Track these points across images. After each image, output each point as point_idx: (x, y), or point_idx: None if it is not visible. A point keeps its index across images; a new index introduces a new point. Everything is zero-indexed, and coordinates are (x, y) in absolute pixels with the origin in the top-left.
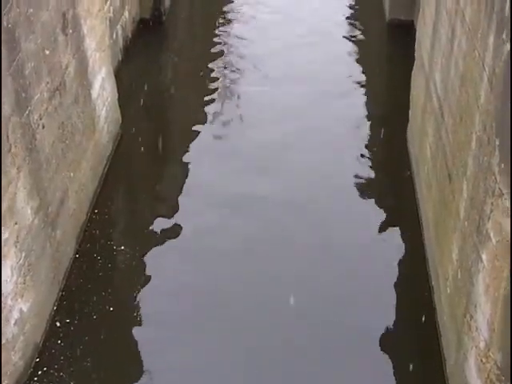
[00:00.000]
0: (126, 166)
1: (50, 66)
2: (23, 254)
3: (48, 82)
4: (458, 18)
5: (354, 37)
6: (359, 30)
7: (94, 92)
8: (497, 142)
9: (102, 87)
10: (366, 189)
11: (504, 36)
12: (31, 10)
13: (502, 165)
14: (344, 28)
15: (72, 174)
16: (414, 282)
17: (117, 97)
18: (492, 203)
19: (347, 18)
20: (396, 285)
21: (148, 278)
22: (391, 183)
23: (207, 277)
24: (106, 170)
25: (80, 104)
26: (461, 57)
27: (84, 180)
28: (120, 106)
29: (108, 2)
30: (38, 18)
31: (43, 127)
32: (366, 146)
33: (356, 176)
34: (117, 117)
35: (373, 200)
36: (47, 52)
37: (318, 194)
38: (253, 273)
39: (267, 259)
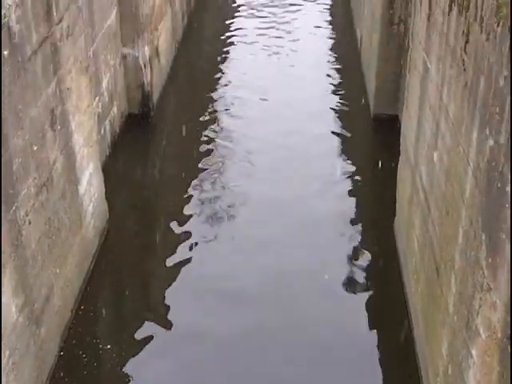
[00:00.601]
0: (113, 262)
1: (37, 162)
2: (7, 353)
3: (35, 178)
4: (441, 113)
5: (339, 132)
6: (345, 124)
7: (82, 187)
8: (483, 237)
9: (90, 182)
10: (353, 282)
11: (487, 131)
12: (20, 107)
13: (490, 259)
14: (329, 123)
15: (58, 270)
16: (405, 378)
17: (104, 192)
18: (480, 298)
19: (332, 112)
20: (386, 382)
21: (133, 380)
22: (379, 276)
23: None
24: (92, 265)
25: (67, 199)
26: (445, 151)
27: (70, 276)
28: (107, 201)
29: (97, 98)
30: (27, 115)
31: (30, 223)
32: (353, 240)
33: (343, 270)
34: (104, 212)
35: (361, 294)
36: (35, 148)
37: (304, 294)
38: None
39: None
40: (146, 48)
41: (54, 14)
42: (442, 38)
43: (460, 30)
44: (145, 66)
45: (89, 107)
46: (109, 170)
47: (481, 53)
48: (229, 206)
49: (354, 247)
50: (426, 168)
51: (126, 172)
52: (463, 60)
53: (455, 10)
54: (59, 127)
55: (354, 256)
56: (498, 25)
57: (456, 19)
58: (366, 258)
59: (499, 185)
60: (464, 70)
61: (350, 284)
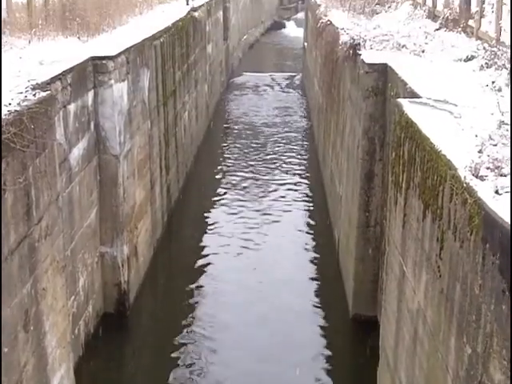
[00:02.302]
0: None
1: (7, 365)
2: None
3: (4, 382)
4: (419, 318)
5: (317, 334)
6: (323, 326)
7: None
8: None
9: None
10: None
11: (464, 339)
12: None
13: None
14: (307, 325)
15: None
16: None
17: None
18: None
19: (310, 314)
20: None
21: None
22: None
23: None
24: None
25: None
26: (424, 357)
27: None
28: None
29: (72, 298)
30: None
31: None
32: None
33: None
34: None
35: None
36: (5, 350)
37: None
38: None
39: None
40: (125, 247)
41: (34, 213)
42: (418, 244)
43: (434, 237)
44: (122, 265)
45: (64, 307)
46: (81, 371)
47: (455, 260)
48: None
49: None
50: (406, 373)
51: (99, 374)
52: (438, 266)
53: (429, 217)
54: (32, 328)
55: None
56: (471, 233)
57: (430, 226)
58: None
59: None
60: (440, 276)
61: None
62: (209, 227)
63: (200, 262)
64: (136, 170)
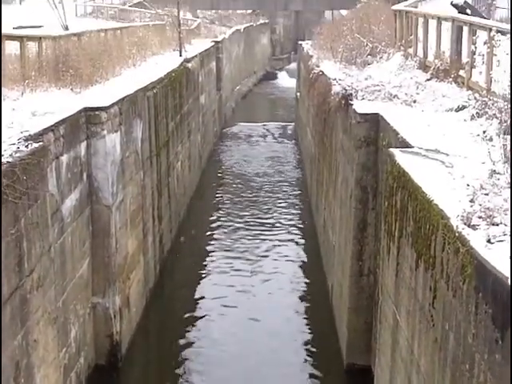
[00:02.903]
0: None
1: None
2: None
3: None
4: (413, 367)
5: (312, 382)
6: (316, 374)
7: None
8: None
9: None
10: None
11: None
12: None
13: None
14: (301, 375)
15: None
16: None
17: None
18: None
19: (304, 363)
20: None
21: None
22: None
23: None
24: None
25: None
26: None
27: None
28: None
29: (64, 349)
30: None
31: None
32: None
33: None
34: None
35: None
36: None
37: None
38: None
39: None
40: (117, 298)
41: (26, 265)
42: (411, 293)
43: (427, 286)
44: (115, 316)
45: (55, 359)
46: None
47: (448, 309)
48: None
49: None
50: None
51: None
52: (432, 315)
53: (422, 266)
54: (23, 380)
55: None
56: (463, 283)
57: (423, 275)
58: None
59: None
60: (433, 325)
61: None
62: (202, 277)
63: (192, 313)
64: (128, 220)
